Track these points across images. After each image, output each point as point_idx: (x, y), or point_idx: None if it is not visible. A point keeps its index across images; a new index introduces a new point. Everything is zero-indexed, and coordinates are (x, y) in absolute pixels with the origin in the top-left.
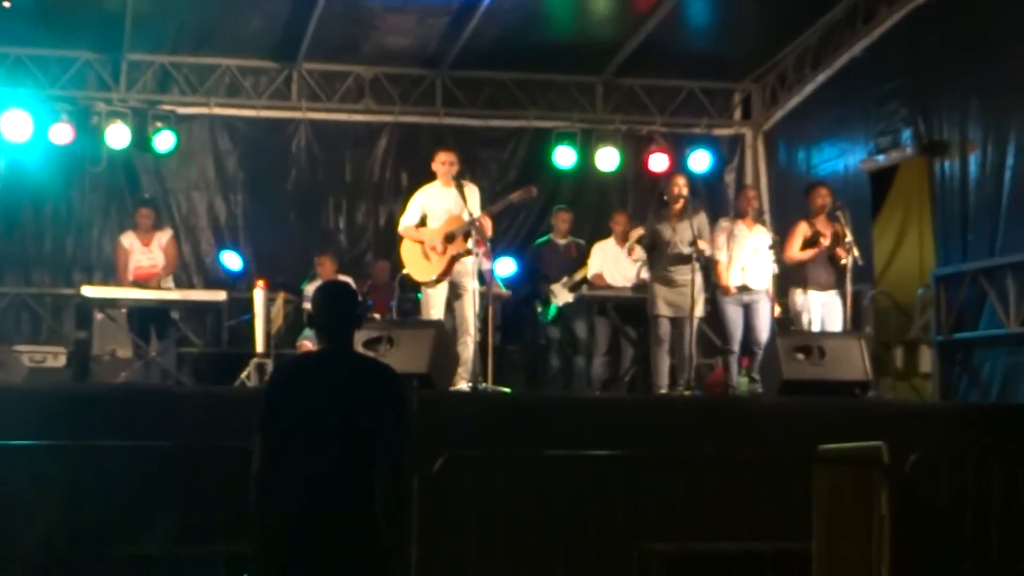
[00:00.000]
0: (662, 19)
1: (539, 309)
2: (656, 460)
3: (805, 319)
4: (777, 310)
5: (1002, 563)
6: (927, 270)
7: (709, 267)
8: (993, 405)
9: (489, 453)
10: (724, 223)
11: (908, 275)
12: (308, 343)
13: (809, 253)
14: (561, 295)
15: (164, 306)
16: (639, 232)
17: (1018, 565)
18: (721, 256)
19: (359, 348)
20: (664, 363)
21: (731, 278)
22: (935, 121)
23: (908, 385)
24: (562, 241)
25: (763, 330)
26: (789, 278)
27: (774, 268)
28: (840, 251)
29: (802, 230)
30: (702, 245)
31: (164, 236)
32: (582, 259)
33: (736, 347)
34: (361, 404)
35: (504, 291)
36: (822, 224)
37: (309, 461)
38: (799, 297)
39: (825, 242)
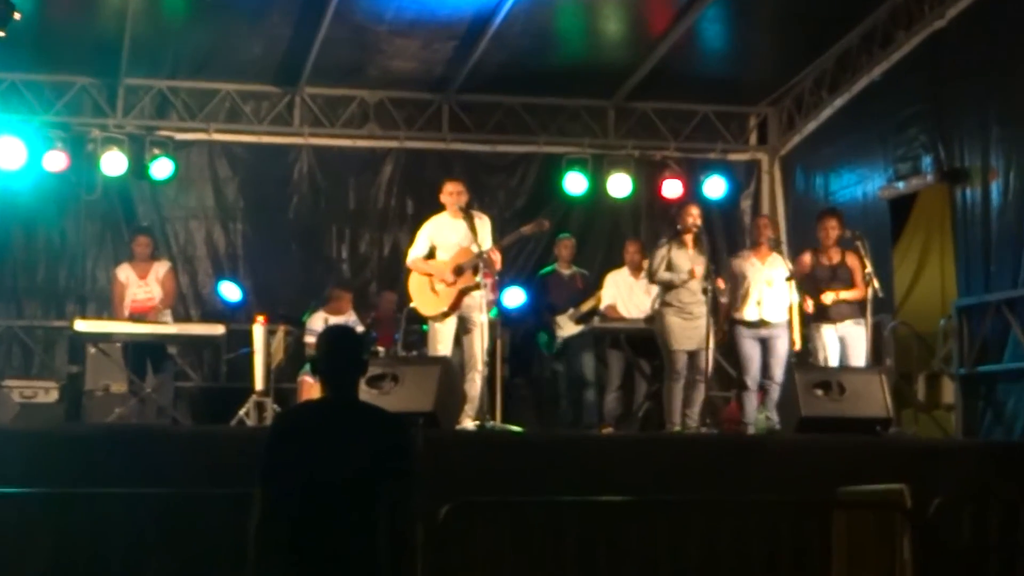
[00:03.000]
0: (676, 41)
1: (544, 341)
2: (670, 505)
3: (822, 356)
4: (797, 342)
5: None
6: (948, 300)
7: (717, 307)
8: (1020, 444)
9: (497, 500)
10: (734, 263)
11: (929, 305)
12: (309, 378)
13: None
14: (567, 327)
15: (160, 340)
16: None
17: None
18: (724, 298)
19: (363, 388)
20: (678, 400)
21: (746, 313)
22: (955, 147)
23: (930, 418)
24: (567, 271)
25: (778, 366)
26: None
27: (793, 300)
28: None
29: (804, 264)
30: (722, 285)
31: (161, 268)
32: (589, 290)
33: (752, 384)
34: (367, 459)
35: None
36: (833, 255)
37: (311, 518)
38: (815, 332)
39: (828, 299)
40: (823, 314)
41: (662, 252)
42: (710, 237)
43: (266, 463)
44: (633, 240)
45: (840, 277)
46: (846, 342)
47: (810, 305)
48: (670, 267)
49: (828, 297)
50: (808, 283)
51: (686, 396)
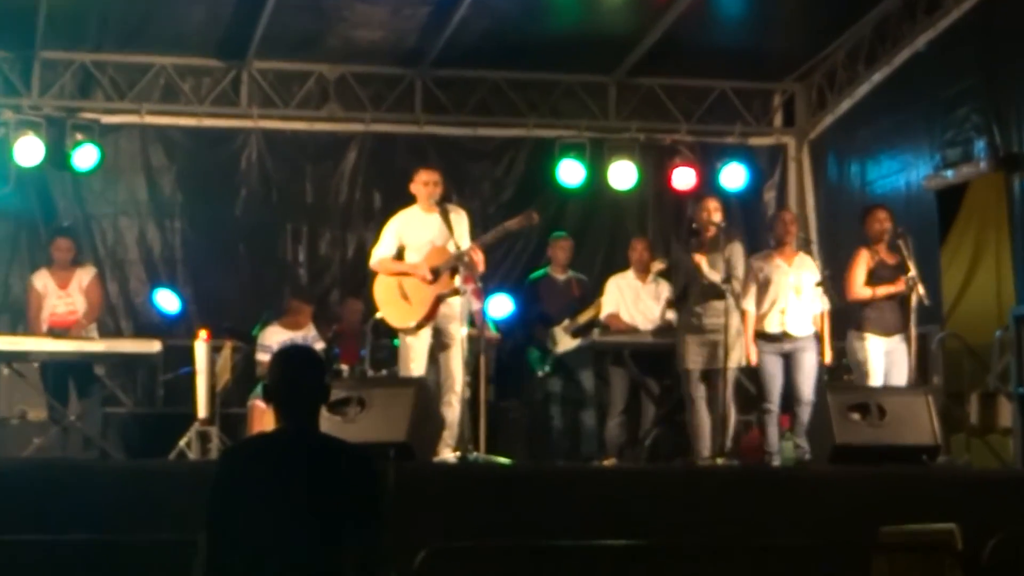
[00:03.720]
0: (687, 6)
1: (535, 357)
2: (683, 550)
3: (869, 370)
4: (828, 355)
5: None
6: (1005, 307)
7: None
8: None
9: (480, 544)
10: (756, 263)
11: (983, 313)
12: (261, 403)
13: (885, 291)
14: (562, 341)
15: (86, 359)
16: (661, 265)
17: None
18: (748, 306)
19: (324, 415)
20: (705, 425)
21: (768, 324)
22: (1013, 130)
23: (984, 444)
24: (562, 276)
25: (807, 385)
26: (846, 319)
27: (824, 307)
28: (920, 287)
29: (864, 260)
30: (738, 287)
31: (86, 276)
32: (587, 298)
33: (775, 405)
34: (329, 500)
35: (494, 334)
36: (885, 253)
37: (265, 569)
38: (857, 343)
39: (905, 283)
40: (873, 322)
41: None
42: (728, 234)
43: (212, 505)
44: (639, 238)
45: (893, 279)
46: (889, 361)
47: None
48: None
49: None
50: (872, 283)
51: (717, 418)
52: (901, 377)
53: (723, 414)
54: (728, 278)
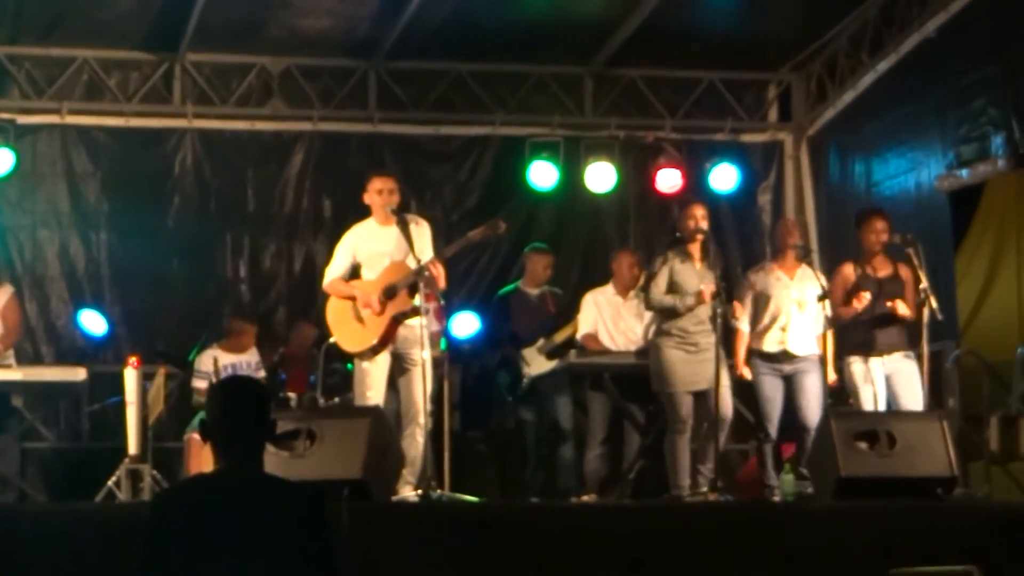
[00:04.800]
0: None
1: (505, 381)
2: None
3: (865, 396)
4: (832, 376)
5: None
6: None
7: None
8: None
9: None
10: (752, 276)
11: (1002, 327)
12: (198, 436)
13: (851, 310)
14: (536, 363)
15: (1, 389)
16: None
17: None
18: (742, 325)
19: (270, 450)
20: (685, 456)
21: (766, 342)
22: None
23: (1006, 473)
24: (535, 290)
25: (811, 409)
26: (843, 341)
27: (824, 326)
28: (900, 303)
29: (843, 277)
30: (739, 313)
31: (1, 296)
32: (564, 315)
33: (774, 432)
34: (275, 547)
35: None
36: (880, 265)
37: None
38: (856, 366)
39: (866, 299)
40: (865, 343)
41: (663, 269)
42: (719, 243)
43: (145, 554)
44: (622, 249)
45: (888, 293)
46: (894, 381)
47: (862, 298)
48: (672, 288)
49: (867, 296)
50: (846, 301)
51: (697, 450)
52: (913, 400)
53: (715, 443)
54: (719, 293)
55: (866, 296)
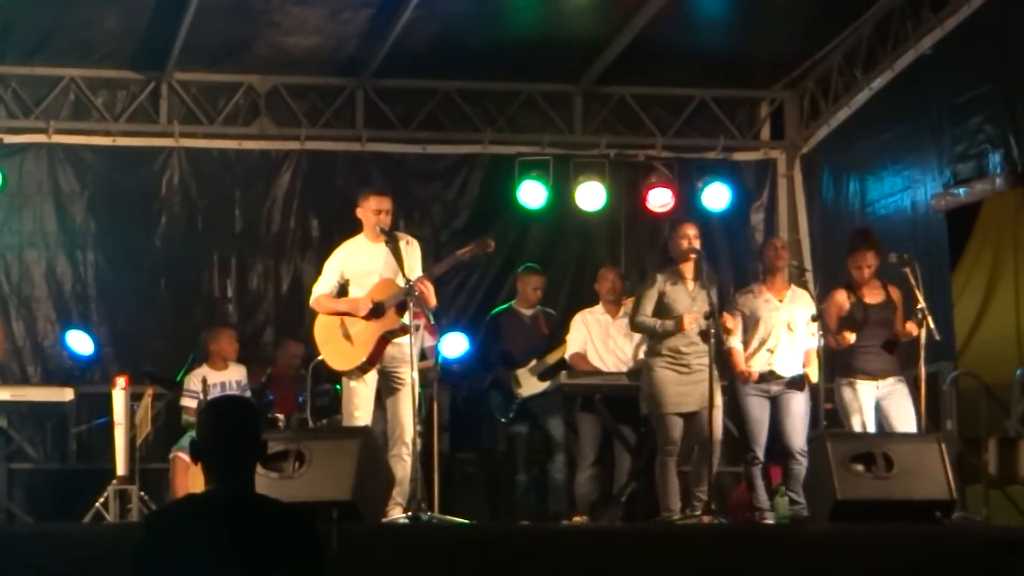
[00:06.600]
0: (662, 6)
1: (496, 402)
2: None
3: (854, 422)
4: (814, 376)
5: None
6: None
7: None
8: None
9: None
10: (740, 299)
11: (1000, 348)
12: (184, 455)
13: (843, 344)
14: (528, 384)
15: None
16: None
17: None
18: (735, 343)
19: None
20: (674, 479)
21: (754, 363)
22: None
23: (1005, 496)
24: (528, 311)
25: (796, 432)
26: (833, 364)
27: (819, 344)
28: (912, 326)
29: (836, 305)
30: (730, 324)
31: None
32: (556, 336)
33: (761, 454)
34: (263, 568)
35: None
36: (871, 292)
37: None
38: (845, 390)
39: (850, 340)
40: (851, 367)
41: (650, 291)
42: (711, 263)
43: (136, 574)
44: (610, 268)
45: (875, 321)
46: (886, 406)
47: (847, 339)
48: (661, 310)
49: (852, 337)
50: (846, 329)
51: (690, 473)
52: (908, 423)
53: (708, 466)
54: (712, 314)
55: (851, 337)
